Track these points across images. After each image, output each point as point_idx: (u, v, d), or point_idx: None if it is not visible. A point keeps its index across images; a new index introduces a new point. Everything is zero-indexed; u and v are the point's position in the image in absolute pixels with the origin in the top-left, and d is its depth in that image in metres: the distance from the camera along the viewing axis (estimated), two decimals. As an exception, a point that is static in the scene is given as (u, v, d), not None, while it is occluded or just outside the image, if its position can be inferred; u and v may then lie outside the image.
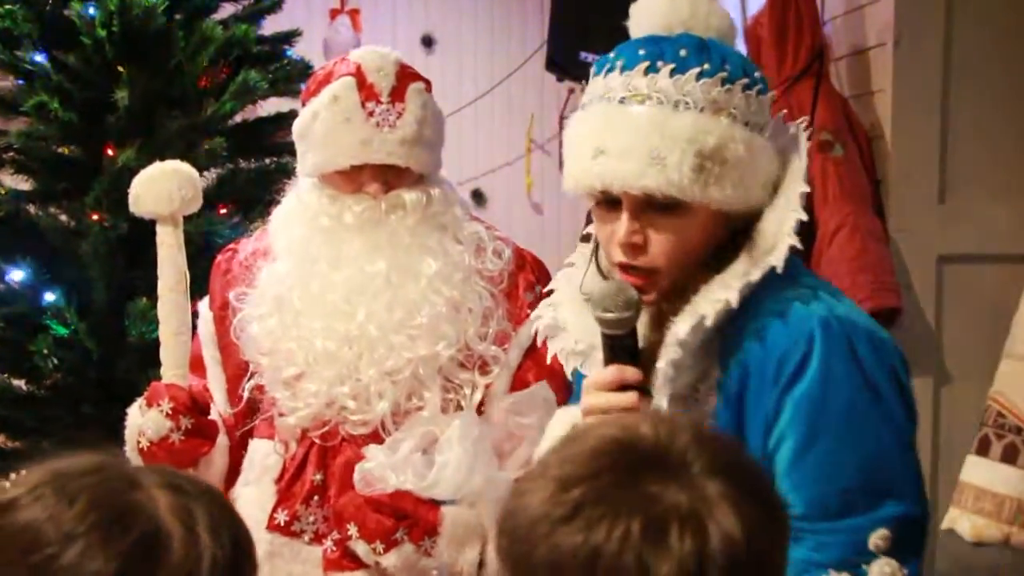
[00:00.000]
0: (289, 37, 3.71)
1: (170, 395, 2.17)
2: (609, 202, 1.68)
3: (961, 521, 1.93)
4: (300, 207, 2.27)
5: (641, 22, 1.76)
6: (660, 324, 1.72)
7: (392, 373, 2.14)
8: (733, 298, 1.60)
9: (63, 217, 3.43)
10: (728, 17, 1.78)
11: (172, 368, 2.24)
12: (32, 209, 3.39)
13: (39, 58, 3.30)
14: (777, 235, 1.65)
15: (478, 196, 5.51)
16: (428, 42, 5.55)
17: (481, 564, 2.10)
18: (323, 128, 2.19)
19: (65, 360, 3.23)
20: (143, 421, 2.18)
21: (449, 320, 2.16)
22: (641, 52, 1.68)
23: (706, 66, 1.64)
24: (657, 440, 1.10)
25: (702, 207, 1.63)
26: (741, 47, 3.35)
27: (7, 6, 3.28)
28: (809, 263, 2.78)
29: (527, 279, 2.27)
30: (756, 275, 1.61)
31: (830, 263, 2.75)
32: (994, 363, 2.96)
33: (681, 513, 1.04)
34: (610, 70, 1.71)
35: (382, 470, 2.07)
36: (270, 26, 3.71)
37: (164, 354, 2.25)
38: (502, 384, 2.22)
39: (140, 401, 2.22)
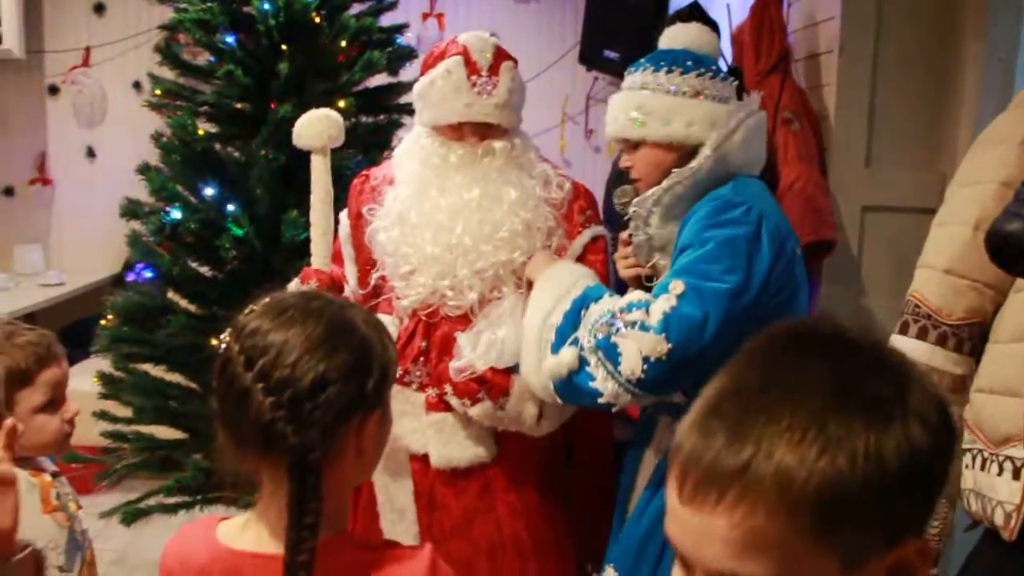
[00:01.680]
0: (399, 28, 3.64)
1: (317, 277, 2.17)
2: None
3: None
4: (417, 148, 2.23)
5: (664, 41, 2.05)
6: None
7: (480, 272, 2.11)
8: (666, 184, 1.89)
9: (237, 153, 3.40)
10: (712, 38, 2.07)
11: (319, 257, 2.23)
12: (219, 146, 3.37)
13: (228, 39, 3.26)
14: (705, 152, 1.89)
15: (525, 152, 5.44)
16: (493, 39, 5.48)
17: (540, 416, 2.08)
18: (438, 93, 2.13)
19: (239, 253, 3.21)
20: None
21: (523, 235, 2.12)
22: (631, 64, 2.03)
23: (647, 65, 1.98)
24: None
25: (640, 140, 1.96)
26: (727, 50, 3.27)
27: (207, 4, 3.24)
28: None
29: (580, 205, 2.22)
30: (687, 173, 1.87)
31: (789, 206, 2.69)
32: (896, 280, 2.95)
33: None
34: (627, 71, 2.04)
35: (470, 362, 2.05)
36: (385, 20, 3.62)
37: (314, 247, 2.24)
38: None
39: (296, 280, 2.21)
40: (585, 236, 2.20)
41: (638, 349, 1.69)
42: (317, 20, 3.26)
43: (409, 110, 3.49)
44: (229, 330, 1.21)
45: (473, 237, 2.11)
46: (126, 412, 3.38)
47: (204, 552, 1.24)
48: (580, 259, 2.17)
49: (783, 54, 3.01)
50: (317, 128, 2.21)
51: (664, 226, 1.92)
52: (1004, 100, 2.76)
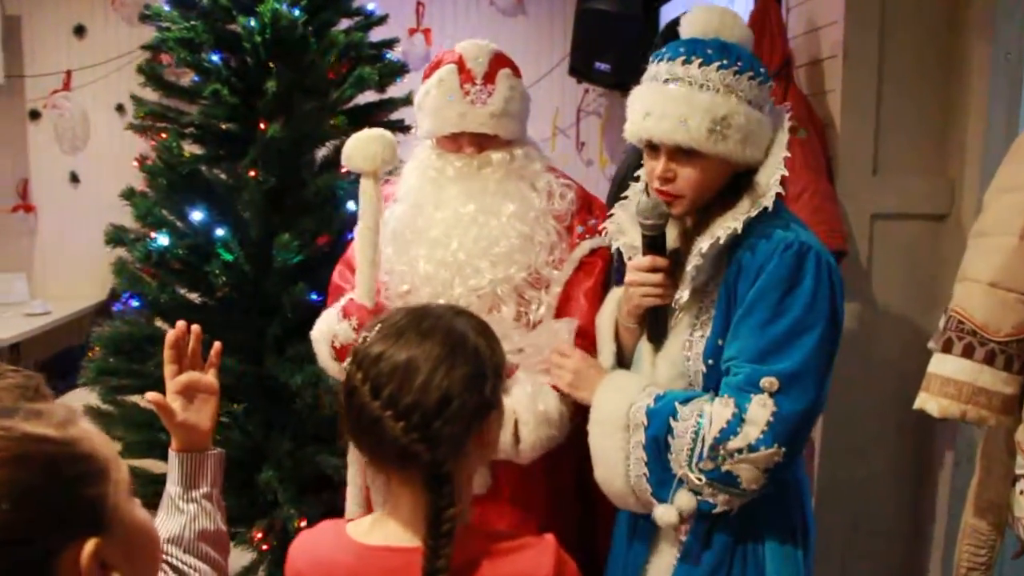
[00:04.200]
0: (390, 44, 3.59)
1: (358, 314, 2.08)
2: (652, 147, 1.77)
3: (930, 403, 1.85)
4: (415, 162, 2.18)
5: (687, 29, 1.81)
6: (688, 241, 1.83)
7: (476, 290, 2.06)
8: (738, 227, 1.70)
9: (225, 176, 3.34)
10: (746, 28, 1.82)
11: (363, 291, 2.10)
12: (205, 169, 3.31)
13: (214, 58, 3.21)
14: (768, 185, 1.73)
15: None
16: (483, 53, 5.43)
17: (517, 441, 1.99)
18: (433, 103, 2.10)
19: (229, 279, 3.15)
20: (338, 328, 2.11)
21: (521, 250, 2.07)
22: (681, 49, 1.75)
23: (724, 61, 1.70)
24: None
25: (713, 156, 1.71)
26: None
27: (191, 22, 3.19)
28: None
29: (583, 216, 2.17)
30: (754, 212, 1.71)
31: (797, 216, 2.65)
32: (907, 288, 2.93)
33: None
34: (660, 59, 1.77)
35: None
36: (375, 35, 3.56)
37: (358, 279, 2.11)
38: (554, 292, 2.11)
39: (339, 311, 2.13)
40: (584, 247, 2.14)
41: (755, 467, 1.63)
42: (305, 36, 3.21)
43: (401, 126, 3.44)
44: (349, 358, 1.31)
45: (468, 253, 2.05)
46: (115, 446, 3.30)
47: (335, 549, 1.36)
48: (578, 268, 2.12)
49: (785, 61, 2.98)
50: (369, 150, 2.07)
51: (709, 267, 1.78)
52: (1014, 99, 2.73)
